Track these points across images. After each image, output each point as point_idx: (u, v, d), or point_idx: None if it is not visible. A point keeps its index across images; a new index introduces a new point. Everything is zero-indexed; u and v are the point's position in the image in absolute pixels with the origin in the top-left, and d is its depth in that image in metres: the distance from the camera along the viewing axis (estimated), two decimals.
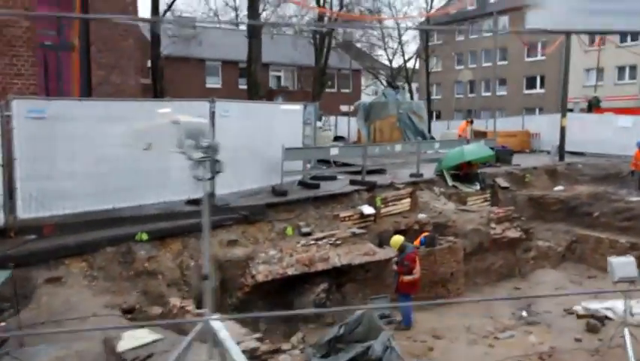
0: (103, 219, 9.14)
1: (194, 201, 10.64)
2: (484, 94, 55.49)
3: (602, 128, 26.81)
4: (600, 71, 44.25)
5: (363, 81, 64.18)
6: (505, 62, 52.95)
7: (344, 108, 40.55)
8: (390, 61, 57.25)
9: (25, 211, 8.34)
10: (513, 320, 11.39)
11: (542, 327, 11.01)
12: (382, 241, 12.82)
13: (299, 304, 10.32)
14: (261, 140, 12.27)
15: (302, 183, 13.67)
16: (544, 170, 20.59)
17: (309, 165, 14.44)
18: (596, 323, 10.68)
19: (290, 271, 10.16)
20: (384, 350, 8.70)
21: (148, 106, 10.33)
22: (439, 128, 38.16)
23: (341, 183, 14.27)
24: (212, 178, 4.68)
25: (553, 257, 15.32)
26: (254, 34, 24.35)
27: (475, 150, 16.42)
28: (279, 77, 41.40)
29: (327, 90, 43.82)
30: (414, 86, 59.92)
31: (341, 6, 36.90)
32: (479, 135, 28.24)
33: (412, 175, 16.08)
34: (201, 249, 9.41)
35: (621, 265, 9.41)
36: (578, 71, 45.33)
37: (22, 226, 8.31)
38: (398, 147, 16.59)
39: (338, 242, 11.30)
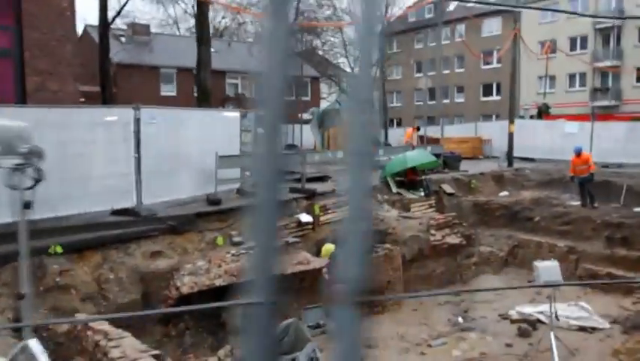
0: (14, 231, 8.70)
1: (120, 212, 10.34)
2: (443, 101, 56.30)
3: (551, 134, 27.38)
4: (552, 79, 45.34)
5: (326, 89, 64.42)
6: (463, 70, 53.82)
7: (306, 116, 40.55)
8: (352, 68, 57.43)
9: None
10: (448, 326, 11.35)
11: (476, 333, 10.98)
12: (321, 250, 12.69)
13: (227, 316, 10.04)
14: (194, 148, 12.02)
15: (240, 191, 13.42)
16: (491, 176, 20.82)
17: (247, 173, 14.19)
18: (527, 327, 10.71)
19: (217, 282, 9.88)
20: None
21: (58, 113, 9.90)
22: (397, 134, 38.49)
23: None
24: (31, 187, 4.36)
25: (495, 262, 15.40)
26: (203, 40, 24.05)
27: (418, 157, 16.46)
28: (236, 85, 41.05)
29: (286, 98, 43.69)
30: (376, 94, 60.33)
31: (296, 15, 36.87)
32: (431, 142, 28.51)
33: None
34: (123, 260, 9.11)
35: (546, 269, 9.46)
36: (531, 79, 46.43)
37: None
38: (340, 154, 16.51)
39: None
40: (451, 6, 55.71)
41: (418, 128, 22.76)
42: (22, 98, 15.30)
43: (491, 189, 19.66)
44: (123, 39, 38.23)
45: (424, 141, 28.73)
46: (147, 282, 9.36)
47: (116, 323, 8.35)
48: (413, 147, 19.21)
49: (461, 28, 53.16)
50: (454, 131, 34.03)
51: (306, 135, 28.93)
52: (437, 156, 20.50)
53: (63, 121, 9.63)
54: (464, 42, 40.34)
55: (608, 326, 10.96)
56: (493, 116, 48.98)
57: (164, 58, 37.57)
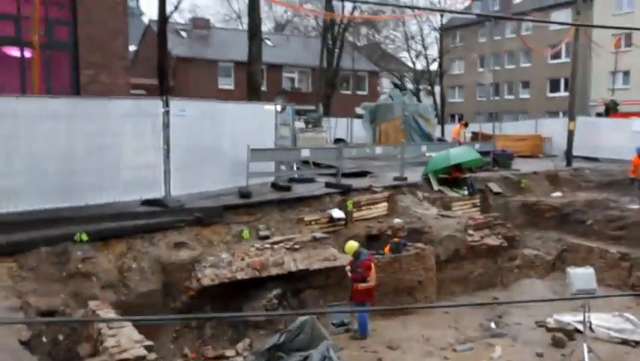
0: (44, 218, 9.04)
1: (149, 202, 10.53)
2: (507, 97, 54.40)
3: (616, 132, 25.82)
4: (626, 74, 42.88)
5: (385, 83, 63.70)
6: (529, 65, 51.76)
7: (359, 110, 40.17)
8: (414, 63, 56.70)
9: None
10: (479, 331, 10.89)
11: (507, 340, 10.48)
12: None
13: (248, 310, 10.05)
14: (227, 140, 12.07)
15: (275, 185, 13.41)
16: (545, 175, 19.83)
17: (283, 167, 14.18)
18: (562, 336, 10.10)
19: (239, 276, 9.91)
20: (322, 360, 8.37)
21: (89, 104, 10.15)
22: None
23: (317, 186, 13.96)
24: None
25: (540, 266, 14.66)
26: (253, 34, 24.20)
27: (462, 154, 15.87)
28: (292, 79, 41.23)
29: (342, 92, 43.52)
30: (437, 88, 59.31)
31: (353, 9, 36.56)
32: (485, 139, 27.55)
33: (395, 178, 15.64)
34: (147, 250, 9.28)
35: (580, 276, 8.88)
36: (601, 74, 44.05)
37: None
38: (378, 150, 16.16)
39: (296, 246, 10.99)
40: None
41: (466, 125, 22.00)
42: (76, 90, 15.95)
43: (544, 190, 18.72)
44: (184, 33, 39.18)
45: (478, 137, 27.89)
46: (168, 272, 9.49)
47: (133, 309, 8.53)
48: (460, 144, 18.55)
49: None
50: (514, 129, 32.83)
51: (357, 130, 28.63)
52: (487, 153, 19.75)
53: (96, 112, 9.86)
54: (521, 37, 38.60)
55: None
56: (560, 113, 46.81)
57: (222, 51, 38.19)
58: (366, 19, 39.87)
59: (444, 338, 10.41)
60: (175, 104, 10.58)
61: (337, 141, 23.44)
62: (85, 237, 8.95)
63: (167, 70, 28.95)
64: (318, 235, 11.46)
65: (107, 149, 9.86)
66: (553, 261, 14.99)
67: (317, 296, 11.23)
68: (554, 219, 16.29)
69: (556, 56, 48.98)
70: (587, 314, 9.05)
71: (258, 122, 12.99)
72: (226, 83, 37.98)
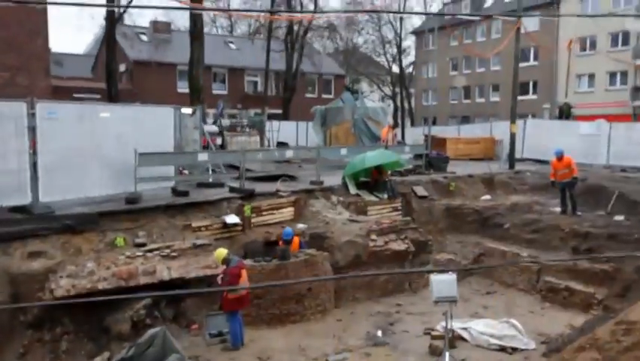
0: None
1: (16, 209, 10.11)
2: (478, 100, 54.29)
3: (566, 135, 25.58)
4: (592, 77, 42.86)
5: (366, 87, 63.58)
6: (499, 68, 51.65)
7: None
8: (390, 66, 56.66)
9: None
10: (362, 340, 10.51)
11: (386, 349, 10.11)
12: (248, 253, 12.13)
13: (112, 321, 9.64)
14: (113, 144, 11.67)
15: (174, 191, 13.01)
16: (480, 178, 19.56)
17: (186, 171, 13.80)
18: (438, 344, 9.74)
19: (101, 286, 9.49)
20: None
21: None
22: (416, 134, 37.32)
23: (221, 191, 13.59)
24: None
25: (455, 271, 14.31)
26: (195, 37, 23.85)
27: (378, 157, 15.53)
28: (255, 82, 40.89)
29: (308, 95, 43.23)
30: (412, 91, 59.23)
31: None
32: (437, 142, 27.30)
33: (311, 182, 15.30)
34: None
35: (441, 283, 8.52)
36: (569, 77, 43.92)
37: None
38: (289, 153, 15.79)
39: (174, 254, 10.60)
40: (488, 2, 53.92)
41: (394, 127, 21.64)
42: None
43: (476, 193, 18.43)
44: (144, 37, 38.79)
45: (428, 140, 27.60)
46: (18, 284, 9.06)
47: None
48: (387, 147, 18.23)
49: (498, 24, 51.03)
50: (469, 131, 32.61)
51: (312, 133, 28.32)
52: (419, 156, 19.49)
53: None
54: (468, 47, 38.56)
55: (532, 346, 9.86)
56: (529, 115, 46.78)
57: (182, 55, 37.69)
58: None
59: (322, 347, 10.03)
60: (43, 106, 10.19)
61: (279, 144, 23.07)
62: None
63: (116, 73, 28.56)
64: (199, 241, 11.07)
65: None
66: (470, 265, 14.69)
67: (199, 305, 10.85)
68: (476, 223, 16.00)
69: (525, 59, 48.99)
70: (448, 321, 8.68)
71: (154, 125, 12.60)
72: (185, 87, 37.49)
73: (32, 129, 9.99)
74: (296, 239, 11.74)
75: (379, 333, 10.76)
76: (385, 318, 11.64)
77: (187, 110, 14.56)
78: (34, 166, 10.06)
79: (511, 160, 22.63)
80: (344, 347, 10.10)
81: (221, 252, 9.89)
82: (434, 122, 55.24)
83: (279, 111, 35.85)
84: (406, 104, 56.78)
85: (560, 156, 15.22)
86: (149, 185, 12.27)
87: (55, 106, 10.65)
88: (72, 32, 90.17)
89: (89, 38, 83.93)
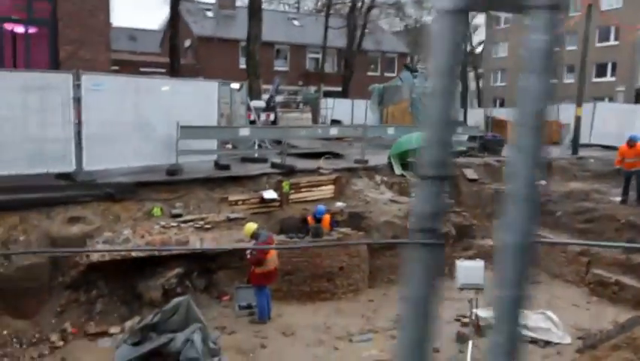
0: None
1: (60, 176, 10.57)
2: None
3: (637, 120, 24.01)
4: None
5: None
6: (575, 47, 48.93)
7: None
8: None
9: None
10: (391, 322, 10.34)
11: None
12: (284, 229, 12.18)
13: (144, 288, 9.96)
14: (156, 116, 11.91)
15: (217, 164, 13.20)
16: None
17: (229, 146, 13.96)
18: (465, 332, 9.44)
19: (134, 253, 9.80)
20: (185, 343, 8.18)
21: None
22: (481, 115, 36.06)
23: (262, 166, 13.67)
24: None
25: None
26: (253, 13, 23.94)
27: None
28: (317, 60, 40.72)
29: (370, 74, 42.69)
30: (481, 71, 57.40)
31: None
32: (498, 125, 26.28)
33: (356, 161, 15.12)
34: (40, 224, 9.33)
35: (467, 270, 8.24)
36: None
37: None
38: (334, 131, 15.59)
39: (207, 226, 10.79)
40: None
41: None
42: (55, 66, 16.21)
43: None
44: (209, 13, 39.38)
45: (489, 123, 26.62)
46: (58, 247, 9.49)
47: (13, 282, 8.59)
48: None
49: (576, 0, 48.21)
50: None
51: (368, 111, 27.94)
52: (473, 138, 18.83)
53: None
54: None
55: (567, 341, 9.37)
56: (606, 99, 44.21)
57: (245, 31, 38.10)
58: None
59: (348, 327, 9.97)
60: (88, 78, 10.52)
61: (333, 122, 22.93)
62: None
63: (179, 49, 29.19)
64: (233, 215, 11.20)
65: (10, 121, 9.91)
66: None
67: (232, 277, 11.01)
68: None
69: (605, 38, 46.20)
70: (475, 310, 8.39)
71: (198, 99, 12.77)
72: None
73: (77, 100, 10.34)
74: (327, 217, 11.64)
75: None
76: None
77: (235, 85, 14.65)
78: (78, 136, 10.44)
79: (575, 145, 21.49)
80: (370, 328, 9.99)
81: (251, 226, 9.95)
82: (502, 104, 53.46)
83: (340, 89, 35.65)
84: (473, 85, 55.11)
85: (632, 143, 14.18)
86: (191, 158, 12.48)
87: (100, 78, 10.97)
88: (149, 8, 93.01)
89: (165, 14, 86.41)
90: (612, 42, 45.28)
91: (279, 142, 15.74)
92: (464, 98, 47.19)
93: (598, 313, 11.00)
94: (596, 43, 46.75)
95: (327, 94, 30.79)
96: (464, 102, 42.65)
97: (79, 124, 10.44)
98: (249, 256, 9.91)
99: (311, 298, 11.07)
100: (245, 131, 13.33)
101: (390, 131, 16.32)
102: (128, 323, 9.44)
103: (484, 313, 10.12)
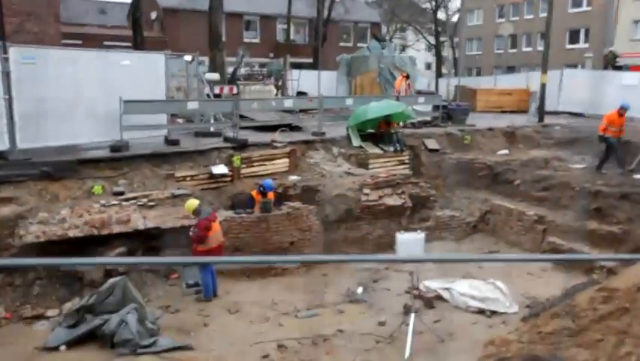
0: None
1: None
2: (524, 49, 51.58)
3: (605, 86, 23.90)
4: None
5: (412, 36, 61.47)
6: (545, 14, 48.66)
7: None
8: (435, 12, 54.36)
9: None
10: (341, 296, 10.20)
11: (362, 307, 9.79)
12: (236, 204, 11.89)
13: (84, 269, 9.64)
14: (97, 91, 11.44)
15: (166, 139, 12.80)
16: (502, 132, 18.55)
17: (180, 120, 13.54)
18: (411, 305, 9.30)
19: (72, 233, 9.46)
20: (119, 324, 7.95)
21: None
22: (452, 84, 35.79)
23: (214, 140, 13.30)
24: None
25: (458, 228, 13.74)
26: None
27: (382, 107, 14.78)
28: (284, 30, 39.91)
29: (342, 44, 42.07)
30: (456, 40, 56.93)
31: None
32: (467, 93, 26.08)
33: (313, 133, 14.81)
34: None
35: (407, 242, 8.05)
36: (624, 23, 40.95)
37: None
38: (288, 103, 15.21)
39: (151, 203, 10.47)
40: None
41: (407, 77, 20.58)
42: (1, 39, 15.47)
43: (494, 147, 17.49)
44: None
45: (456, 92, 26.43)
46: None
47: None
48: (398, 98, 17.38)
49: None
50: (505, 82, 30.96)
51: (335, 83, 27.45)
52: (437, 108, 18.59)
53: None
54: None
55: (514, 310, 9.30)
56: (579, 66, 44.16)
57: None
58: None
59: (296, 302, 9.78)
60: (17, 51, 10.00)
61: (299, 94, 22.47)
62: None
63: (141, 21, 28.33)
64: (178, 191, 10.87)
65: None
66: (475, 223, 14.04)
67: (180, 255, 10.72)
68: (486, 179, 15.19)
69: (577, 4, 45.95)
70: (415, 281, 8.24)
71: (144, 72, 12.29)
72: None
73: (7, 74, 9.84)
74: (270, 195, 11.29)
75: (359, 290, 10.42)
76: (372, 275, 11.25)
77: (187, 58, 14.17)
78: (10, 112, 9.96)
79: (541, 113, 21.34)
80: (319, 303, 9.82)
81: (192, 203, 9.64)
82: (478, 73, 53.20)
83: (311, 60, 35.00)
84: (449, 54, 54.71)
85: (623, 112, 13.86)
86: (138, 133, 12.08)
87: (31, 51, 10.45)
88: None
89: None
90: (585, 8, 45.05)
91: (241, 116, 15.38)
92: (438, 68, 46.93)
93: (550, 282, 10.95)
94: (569, 8, 46.59)
95: (298, 66, 30.17)
96: (438, 71, 42.40)
97: (9, 100, 9.95)
98: (190, 234, 9.62)
99: (262, 274, 10.86)
100: (193, 105, 12.91)
101: (349, 101, 15.97)
102: (67, 306, 9.14)
103: (431, 284, 10.06)
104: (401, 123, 16.73)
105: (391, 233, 12.80)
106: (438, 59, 45.15)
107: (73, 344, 8.01)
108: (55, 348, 7.95)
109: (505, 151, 16.96)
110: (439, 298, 9.81)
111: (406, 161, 15.32)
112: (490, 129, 18.44)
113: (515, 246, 13.09)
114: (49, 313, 8.98)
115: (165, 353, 7.80)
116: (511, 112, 25.14)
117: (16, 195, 9.68)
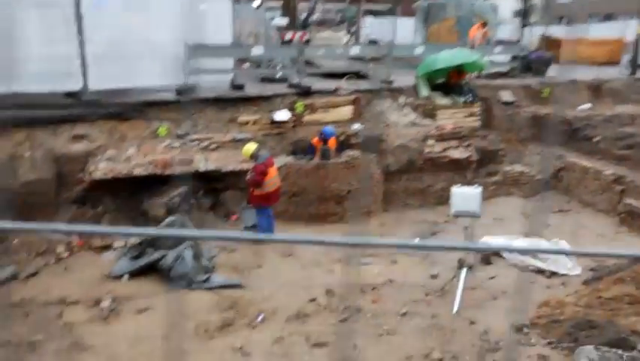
0: None
1: (67, 94, 10.64)
2: None
3: None
4: None
5: None
6: None
7: None
8: None
9: None
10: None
11: (416, 258, 9.66)
12: (296, 150, 11.94)
13: (149, 205, 10.09)
14: (166, 34, 11.63)
15: (232, 84, 12.93)
16: (586, 85, 17.31)
17: (246, 65, 13.59)
18: (465, 260, 9.07)
19: (136, 172, 9.87)
20: (175, 260, 8.31)
21: None
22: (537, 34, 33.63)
23: (279, 87, 13.28)
24: None
25: (527, 184, 13.14)
26: None
27: (453, 56, 14.11)
28: None
29: None
30: None
31: None
32: (553, 44, 24.44)
33: (381, 82, 14.45)
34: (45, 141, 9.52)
35: (462, 196, 7.77)
36: None
37: None
38: (355, 50, 14.79)
39: (213, 146, 10.70)
40: None
41: (484, 25, 19.32)
42: None
43: (576, 101, 16.38)
44: None
45: (543, 42, 24.84)
46: (62, 163, 9.67)
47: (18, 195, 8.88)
48: (473, 47, 16.51)
49: None
50: (598, 31, 28.71)
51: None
52: (515, 58, 17.57)
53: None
54: None
55: (577, 272, 8.86)
56: None
57: None
58: None
59: (349, 250, 9.79)
60: None
61: (371, 42, 21.92)
62: None
63: None
64: (240, 135, 11.02)
65: (15, 39, 9.89)
66: (547, 180, 13.37)
67: (240, 197, 10.97)
68: (563, 135, 14.32)
69: None
70: (470, 238, 7.99)
71: (211, 17, 12.33)
72: None
73: (80, 17, 10.17)
74: (331, 142, 11.22)
75: (417, 240, 10.26)
76: (431, 227, 11.07)
77: (255, 3, 14.09)
78: (83, 54, 10.36)
79: (634, 65, 19.68)
80: (372, 253, 9.80)
81: (250, 147, 9.74)
82: (570, 22, 49.62)
83: (388, 7, 33.84)
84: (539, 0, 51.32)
85: None
86: (205, 77, 12.25)
87: None
88: None
89: None
90: None
91: (308, 63, 15.26)
92: (524, 16, 44.08)
93: (621, 245, 10.35)
94: None
95: (374, 13, 29.37)
96: (524, 20, 39.92)
97: (82, 42, 10.32)
98: (247, 178, 9.77)
99: (319, 220, 10.94)
100: (258, 50, 12.87)
101: (419, 50, 15.36)
102: (132, 239, 9.63)
103: (491, 240, 9.75)
104: (474, 74, 15.98)
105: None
106: (525, 7, 42.29)
107: (134, 274, 8.46)
108: (119, 277, 8.44)
109: (588, 105, 15.85)
110: (498, 254, 9.50)
111: (477, 113, 14.68)
112: (573, 82, 17.24)
113: (589, 206, 12.40)
114: (116, 244, 9.50)
115: (217, 289, 8.08)
116: (602, 64, 23.35)
117: (88, 133, 10.17)
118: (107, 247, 9.48)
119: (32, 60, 10.05)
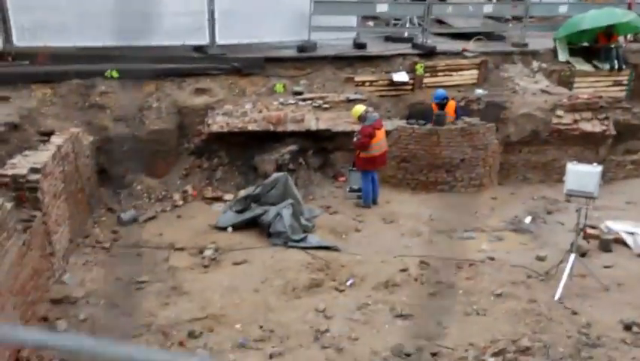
0: (90, 54, 10.35)
1: (194, 48, 11.22)
2: None
3: None
4: None
5: None
6: None
7: None
8: None
9: (19, 40, 10.01)
10: (505, 223, 9.56)
11: (525, 237, 9.07)
12: (412, 114, 11.62)
13: (259, 161, 10.44)
14: None
15: (355, 42, 12.76)
16: None
17: (370, 23, 13.28)
18: (581, 246, 8.30)
19: (250, 127, 10.22)
20: (275, 217, 8.63)
21: None
22: None
23: (401, 46, 12.86)
24: None
25: None
26: None
27: (605, 16, 12.58)
28: None
29: None
30: None
31: None
32: None
33: (513, 44, 13.44)
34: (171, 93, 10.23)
35: (577, 174, 7.10)
36: None
37: (18, 53, 10.04)
38: (487, 8, 13.65)
39: (326, 105, 10.71)
40: None
41: None
42: None
43: None
44: None
45: None
46: (184, 115, 10.26)
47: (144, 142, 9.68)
48: (630, 6, 14.57)
49: None
50: None
51: None
52: None
53: None
54: None
55: None
56: None
57: None
58: None
59: (453, 222, 9.44)
60: None
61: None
62: (115, 74, 10.10)
63: None
64: (353, 96, 10.90)
65: None
66: None
67: (347, 158, 10.96)
68: None
69: None
70: (580, 220, 7.29)
71: None
72: None
73: None
74: (451, 103, 10.69)
75: (527, 219, 9.64)
76: (547, 205, 10.30)
77: None
78: (211, 9, 10.78)
79: None
80: (478, 227, 9.37)
81: (358, 108, 9.62)
82: None
83: None
84: None
85: None
86: (327, 34, 12.23)
87: None
88: None
89: None
90: None
91: (440, 22, 14.60)
92: None
93: None
94: None
95: None
96: None
97: None
98: (354, 140, 9.70)
99: (426, 188, 10.65)
100: (382, 7, 12.47)
101: (563, 9, 13.91)
102: (242, 192, 10.06)
103: (614, 225, 8.87)
104: (628, 37, 14.27)
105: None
106: None
107: (238, 227, 8.90)
108: (224, 228, 8.93)
109: None
110: (621, 242, 8.60)
111: (624, 82, 13.18)
112: None
113: None
114: (226, 197, 10.02)
115: (312, 249, 8.24)
116: None
117: (209, 87, 10.66)
118: (218, 199, 10.03)
119: (167, 15, 10.63)
